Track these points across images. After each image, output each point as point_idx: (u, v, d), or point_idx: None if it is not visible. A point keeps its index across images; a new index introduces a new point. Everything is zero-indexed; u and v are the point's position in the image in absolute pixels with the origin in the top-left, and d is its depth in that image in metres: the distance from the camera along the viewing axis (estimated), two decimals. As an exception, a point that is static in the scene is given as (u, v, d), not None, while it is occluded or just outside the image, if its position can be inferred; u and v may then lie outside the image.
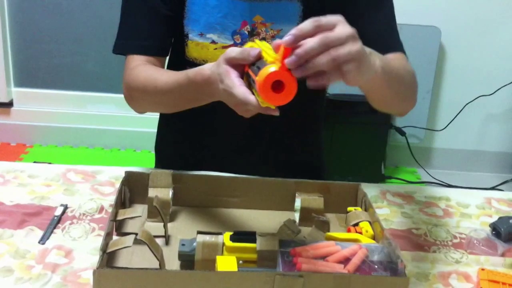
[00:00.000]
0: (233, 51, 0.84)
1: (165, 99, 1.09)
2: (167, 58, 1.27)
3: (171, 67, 1.27)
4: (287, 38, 0.76)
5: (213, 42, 1.15)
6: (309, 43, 0.75)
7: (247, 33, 1.15)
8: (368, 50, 0.83)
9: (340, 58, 0.76)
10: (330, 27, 0.78)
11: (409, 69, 1.11)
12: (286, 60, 0.75)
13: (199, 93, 0.96)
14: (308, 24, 0.77)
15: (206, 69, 0.91)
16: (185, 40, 1.17)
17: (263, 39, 1.15)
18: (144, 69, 1.13)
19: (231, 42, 1.15)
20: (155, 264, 0.86)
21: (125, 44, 1.18)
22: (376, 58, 0.87)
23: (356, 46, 0.78)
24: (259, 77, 0.75)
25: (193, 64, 1.16)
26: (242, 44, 1.15)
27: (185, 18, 1.16)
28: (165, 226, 0.98)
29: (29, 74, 2.98)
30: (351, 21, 1.19)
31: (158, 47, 1.18)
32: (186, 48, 1.17)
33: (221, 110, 1.25)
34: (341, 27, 0.78)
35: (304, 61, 0.75)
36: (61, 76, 2.96)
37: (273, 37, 1.15)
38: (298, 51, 0.75)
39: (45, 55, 2.93)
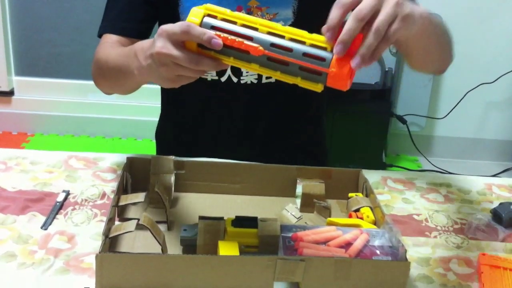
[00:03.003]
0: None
1: (110, 73, 1.09)
2: None
3: None
4: (328, 36, 0.77)
5: None
6: (346, 26, 0.75)
7: None
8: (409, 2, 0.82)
9: (383, 25, 0.75)
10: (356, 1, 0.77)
11: (445, 25, 1.08)
12: (336, 49, 0.76)
13: (131, 61, 0.93)
14: (334, 12, 0.77)
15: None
16: None
17: None
18: (106, 46, 1.13)
19: None
20: (157, 249, 0.87)
21: (104, 26, 1.20)
22: (419, 8, 0.84)
23: (390, 4, 0.76)
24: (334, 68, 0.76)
25: None
26: None
27: (179, 6, 1.15)
28: (167, 212, 0.98)
29: (30, 63, 2.98)
30: None
31: (132, 29, 1.17)
32: None
33: (221, 98, 1.25)
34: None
35: (350, 39, 0.75)
36: (62, 64, 2.96)
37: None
38: (342, 36, 0.75)
39: (46, 43, 2.93)
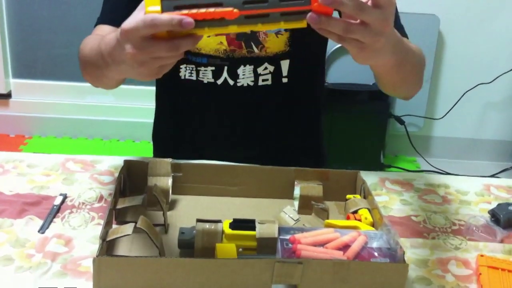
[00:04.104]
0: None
1: (87, 69, 1.06)
2: None
3: None
4: None
5: None
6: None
7: None
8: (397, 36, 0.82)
9: (358, 34, 0.76)
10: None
11: (420, 51, 1.09)
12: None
13: (103, 50, 0.90)
14: None
15: None
16: None
17: None
18: (89, 38, 1.10)
19: None
20: (154, 252, 0.87)
21: (98, 19, 1.19)
22: (400, 40, 0.85)
23: (383, 39, 0.77)
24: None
25: (187, 52, 1.16)
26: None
27: None
28: (164, 215, 0.98)
29: (27, 65, 2.97)
30: None
31: (124, 17, 1.15)
32: None
33: (218, 100, 1.25)
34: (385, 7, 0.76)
35: (339, 4, 0.73)
36: (59, 67, 2.95)
37: None
38: None
39: (43, 46, 2.92)
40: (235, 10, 0.74)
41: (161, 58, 0.79)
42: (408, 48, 0.98)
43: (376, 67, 0.95)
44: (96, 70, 0.98)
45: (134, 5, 1.15)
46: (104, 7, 1.20)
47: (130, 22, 0.77)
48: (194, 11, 0.74)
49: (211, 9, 0.74)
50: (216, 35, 1.09)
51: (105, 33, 1.12)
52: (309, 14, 0.74)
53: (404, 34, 1.14)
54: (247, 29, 0.78)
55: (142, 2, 0.78)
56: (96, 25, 1.19)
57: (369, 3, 0.77)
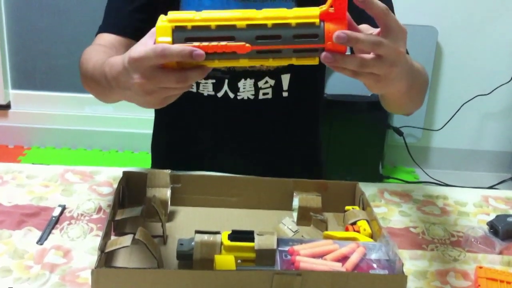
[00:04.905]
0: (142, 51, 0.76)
1: (89, 84, 1.05)
2: None
3: None
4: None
5: None
6: (365, 36, 0.74)
7: None
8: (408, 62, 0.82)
9: (373, 68, 0.76)
10: (382, 21, 0.76)
11: (424, 71, 1.08)
12: (336, 37, 0.72)
13: (106, 73, 0.89)
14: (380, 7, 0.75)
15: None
16: None
17: None
18: (92, 49, 1.10)
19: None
20: (153, 263, 0.86)
21: (99, 27, 1.18)
22: (411, 66, 0.84)
23: (398, 69, 0.77)
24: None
25: None
26: None
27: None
28: (163, 226, 0.98)
29: (26, 76, 2.98)
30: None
31: (128, 28, 1.15)
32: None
33: (218, 113, 1.25)
34: (398, 38, 0.76)
35: (352, 43, 0.73)
36: (58, 77, 2.96)
37: None
38: (352, 34, 0.72)
39: (42, 56, 2.93)
40: (247, 44, 0.74)
41: (169, 89, 0.78)
42: (417, 71, 0.97)
43: (389, 94, 0.94)
44: (98, 87, 0.97)
45: (136, 14, 1.16)
46: (106, 15, 1.20)
47: (140, 50, 0.75)
48: (205, 43, 0.74)
49: (223, 43, 0.74)
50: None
51: (107, 44, 1.13)
52: (324, 53, 0.74)
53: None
54: (258, 63, 0.77)
55: (153, 29, 0.78)
56: (98, 33, 1.18)
57: (375, 32, 0.77)
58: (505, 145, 3.00)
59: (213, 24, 0.74)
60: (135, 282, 0.79)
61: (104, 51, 1.08)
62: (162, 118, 1.36)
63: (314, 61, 0.76)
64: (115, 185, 1.09)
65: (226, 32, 0.74)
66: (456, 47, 2.82)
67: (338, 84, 2.65)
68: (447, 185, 2.81)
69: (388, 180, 2.87)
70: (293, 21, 0.74)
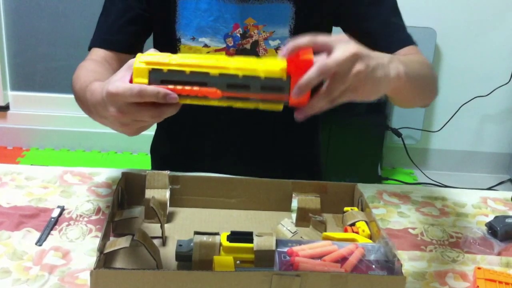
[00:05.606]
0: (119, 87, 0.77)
1: (77, 98, 1.05)
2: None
3: None
4: (283, 51, 0.77)
5: (206, 45, 1.15)
6: (308, 74, 0.75)
7: (239, 35, 1.15)
8: (387, 59, 0.81)
9: (345, 89, 0.76)
10: (327, 48, 0.76)
11: (427, 63, 1.07)
12: (293, 94, 0.76)
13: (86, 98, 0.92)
14: (304, 39, 0.77)
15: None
16: (177, 45, 1.17)
17: (256, 41, 1.15)
18: (84, 66, 1.10)
19: (224, 45, 1.15)
20: (152, 264, 0.86)
21: (95, 39, 1.18)
22: (398, 65, 0.83)
23: (359, 67, 0.75)
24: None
25: None
26: (235, 46, 1.15)
27: (176, 23, 1.16)
28: (162, 227, 0.98)
29: (25, 78, 2.98)
30: (349, 21, 1.19)
31: (122, 43, 1.16)
32: (179, 52, 1.17)
33: (217, 116, 1.26)
34: (339, 50, 0.75)
35: (308, 89, 0.76)
36: (57, 79, 2.96)
37: (266, 39, 1.16)
38: (300, 83, 0.75)
39: (41, 58, 2.93)
40: (219, 91, 0.78)
41: (143, 121, 0.81)
42: (412, 61, 0.96)
43: (390, 93, 0.94)
44: (84, 107, 0.99)
45: (129, 27, 1.16)
46: (98, 28, 1.19)
47: (117, 86, 0.77)
48: (179, 87, 0.77)
49: (196, 88, 0.77)
50: None
51: (100, 59, 1.12)
52: (297, 115, 0.79)
53: (410, 41, 1.15)
54: (226, 104, 0.80)
55: (130, 61, 0.80)
56: (90, 46, 1.18)
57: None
58: (504, 147, 3.01)
59: (187, 69, 0.78)
60: (134, 283, 0.79)
61: (93, 69, 1.08)
62: (162, 122, 1.36)
63: (278, 108, 0.80)
64: (114, 187, 1.09)
65: (200, 77, 0.78)
66: (455, 49, 2.82)
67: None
68: (445, 186, 2.81)
69: (387, 181, 2.87)
70: (262, 74, 0.77)
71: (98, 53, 1.15)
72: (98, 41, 1.17)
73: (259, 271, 0.81)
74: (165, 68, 0.78)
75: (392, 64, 0.81)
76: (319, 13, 1.16)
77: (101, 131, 2.95)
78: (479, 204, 1.20)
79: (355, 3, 1.14)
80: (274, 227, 1.05)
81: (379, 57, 0.79)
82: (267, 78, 0.77)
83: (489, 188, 2.84)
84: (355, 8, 1.14)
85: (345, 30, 1.18)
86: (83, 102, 0.97)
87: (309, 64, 0.76)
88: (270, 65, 0.78)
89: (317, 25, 1.16)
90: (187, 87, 0.77)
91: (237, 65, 0.78)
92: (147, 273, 0.80)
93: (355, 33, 1.16)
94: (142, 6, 1.15)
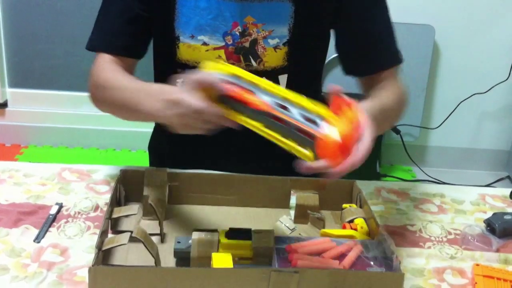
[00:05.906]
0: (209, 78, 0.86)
1: (118, 101, 1.09)
2: (154, 61, 1.27)
3: (160, 70, 1.26)
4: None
5: (205, 43, 1.15)
6: (344, 166, 0.84)
7: (238, 34, 1.14)
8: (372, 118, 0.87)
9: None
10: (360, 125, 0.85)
11: (399, 98, 1.13)
12: (327, 173, 0.82)
13: (143, 99, 0.99)
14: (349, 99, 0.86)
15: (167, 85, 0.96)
16: (176, 43, 1.16)
17: (255, 40, 1.14)
18: (107, 69, 1.12)
19: (223, 44, 1.15)
20: (150, 261, 0.86)
21: (97, 41, 1.17)
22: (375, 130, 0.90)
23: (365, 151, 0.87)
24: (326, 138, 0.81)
25: (185, 66, 1.16)
26: (234, 45, 1.15)
27: (175, 21, 1.15)
28: (160, 224, 0.98)
29: (23, 75, 2.97)
30: (347, 21, 1.20)
31: (128, 47, 1.16)
32: (178, 50, 1.16)
33: None
34: (366, 142, 0.87)
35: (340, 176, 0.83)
36: (55, 76, 2.95)
37: (265, 38, 1.15)
38: (335, 171, 0.83)
39: (39, 55, 2.92)
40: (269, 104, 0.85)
41: (203, 121, 0.91)
42: (388, 113, 1.05)
43: None
44: (124, 107, 1.06)
45: (127, 27, 1.15)
46: (98, 29, 1.18)
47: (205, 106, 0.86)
48: (242, 92, 0.87)
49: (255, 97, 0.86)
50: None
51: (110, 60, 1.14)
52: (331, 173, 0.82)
53: (395, 61, 1.18)
54: (267, 134, 0.90)
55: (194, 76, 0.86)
56: (91, 47, 1.17)
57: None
58: (502, 144, 3.01)
59: (260, 83, 0.87)
60: (132, 280, 0.80)
61: (122, 70, 1.13)
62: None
63: (309, 157, 0.84)
64: (112, 184, 1.09)
65: (255, 89, 0.86)
66: (453, 46, 2.82)
67: (335, 82, 2.64)
68: (444, 183, 2.81)
69: (385, 178, 2.87)
70: (307, 106, 0.85)
71: (105, 57, 1.15)
72: (103, 45, 1.16)
73: (257, 268, 0.82)
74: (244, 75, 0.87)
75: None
76: (318, 12, 1.16)
77: (99, 128, 2.95)
78: (477, 201, 1.20)
79: (354, 4, 1.14)
80: (272, 224, 1.05)
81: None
82: (310, 110, 0.83)
83: (488, 185, 2.84)
84: (354, 9, 1.14)
85: (344, 30, 1.18)
86: (127, 102, 1.04)
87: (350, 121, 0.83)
88: (316, 104, 0.84)
89: (316, 24, 1.16)
90: (246, 95, 0.86)
91: (287, 93, 0.86)
92: (146, 270, 0.80)
93: (353, 33, 1.17)
94: (142, 6, 1.14)
